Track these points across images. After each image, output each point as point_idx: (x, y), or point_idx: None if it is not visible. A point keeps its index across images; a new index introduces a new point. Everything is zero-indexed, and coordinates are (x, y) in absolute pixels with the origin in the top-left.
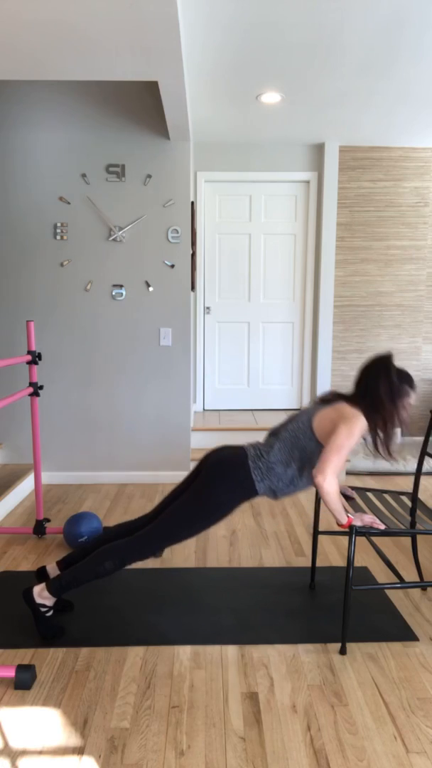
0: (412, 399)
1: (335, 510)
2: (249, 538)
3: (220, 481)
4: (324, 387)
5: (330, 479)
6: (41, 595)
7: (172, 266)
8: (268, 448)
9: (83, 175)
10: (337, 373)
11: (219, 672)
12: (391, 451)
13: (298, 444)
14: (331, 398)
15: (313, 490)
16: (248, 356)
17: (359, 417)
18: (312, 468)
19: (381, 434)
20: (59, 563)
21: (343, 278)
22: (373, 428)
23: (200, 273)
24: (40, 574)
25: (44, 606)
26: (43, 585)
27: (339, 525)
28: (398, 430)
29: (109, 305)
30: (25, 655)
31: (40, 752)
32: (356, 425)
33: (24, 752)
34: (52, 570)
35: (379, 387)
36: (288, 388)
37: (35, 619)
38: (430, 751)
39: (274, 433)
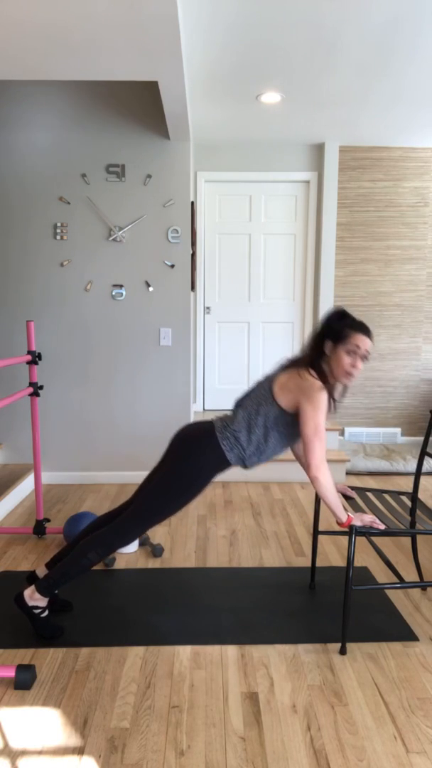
0: (361, 343)
1: (333, 505)
2: (249, 538)
3: (192, 455)
4: None
5: (323, 469)
6: (32, 597)
7: (172, 266)
8: (233, 417)
9: (83, 175)
10: None
11: (219, 672)
12: (338, 398)
13: (260, 410)
14: (289, 363)
15: (313, 491)
16: (248, 356)
17: (315, 385)
18: (277, 433)
19: (332, 383)
20: (47, 565)
21: (343, 278)
22: (326, 381)
23: (200, 273)
24: (31, 579)
25: (37, 608)
26: (32, 587)
27: (339, 524)
28: (347, 375)
29: (109, 305)
30: (25, 655)
31: (40, 752)
32: (317, 396)
33: (24, 752)
34: (41, 573)
35: (319, 334)
36: None
37: (31, 621)
38: (430, 751)
39: (239, 404)
